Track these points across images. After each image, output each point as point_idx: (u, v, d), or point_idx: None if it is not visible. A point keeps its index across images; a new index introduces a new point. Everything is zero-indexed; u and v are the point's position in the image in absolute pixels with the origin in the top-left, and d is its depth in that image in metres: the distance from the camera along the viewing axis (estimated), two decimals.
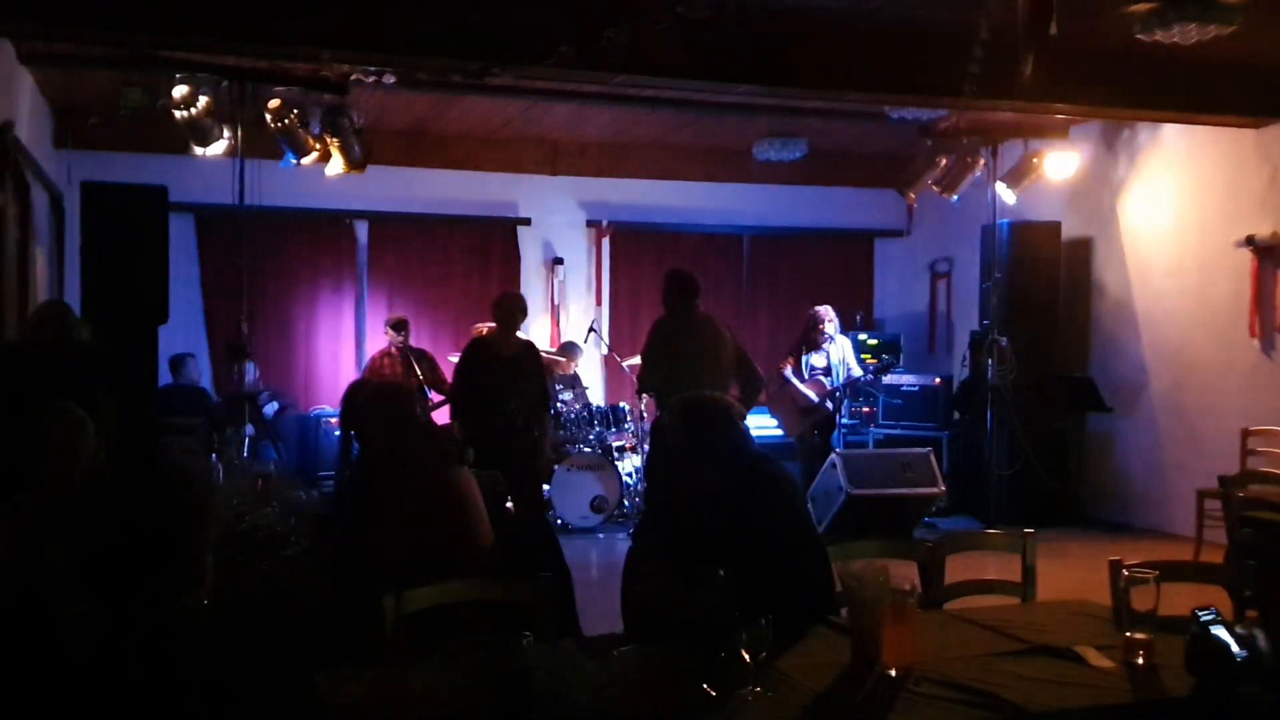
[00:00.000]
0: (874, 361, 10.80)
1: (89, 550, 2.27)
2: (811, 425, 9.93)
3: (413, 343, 10.53)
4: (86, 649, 2.20)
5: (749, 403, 7.68)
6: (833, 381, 9.90)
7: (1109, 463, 10.47)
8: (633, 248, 12.38)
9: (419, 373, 10.04)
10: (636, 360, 10.36)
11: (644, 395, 8.89)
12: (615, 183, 12.11)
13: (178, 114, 8.10)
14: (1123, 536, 9.76)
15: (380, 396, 4.73)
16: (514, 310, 8.19)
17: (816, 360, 9.97)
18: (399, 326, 10.31)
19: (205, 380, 10.59)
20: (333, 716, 2.66)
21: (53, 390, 4.53)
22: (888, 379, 10.82)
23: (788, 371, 9.92)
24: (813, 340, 9.98)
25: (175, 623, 2.24)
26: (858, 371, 10.06)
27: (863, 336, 11.72)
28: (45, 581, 3.09)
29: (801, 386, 9.85)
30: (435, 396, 10.09)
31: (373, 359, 10.51)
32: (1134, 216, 10.27)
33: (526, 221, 12.00)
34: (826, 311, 10.07)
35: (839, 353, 10.02)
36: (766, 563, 3.48)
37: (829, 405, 9.92)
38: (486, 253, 11.99)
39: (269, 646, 2.33)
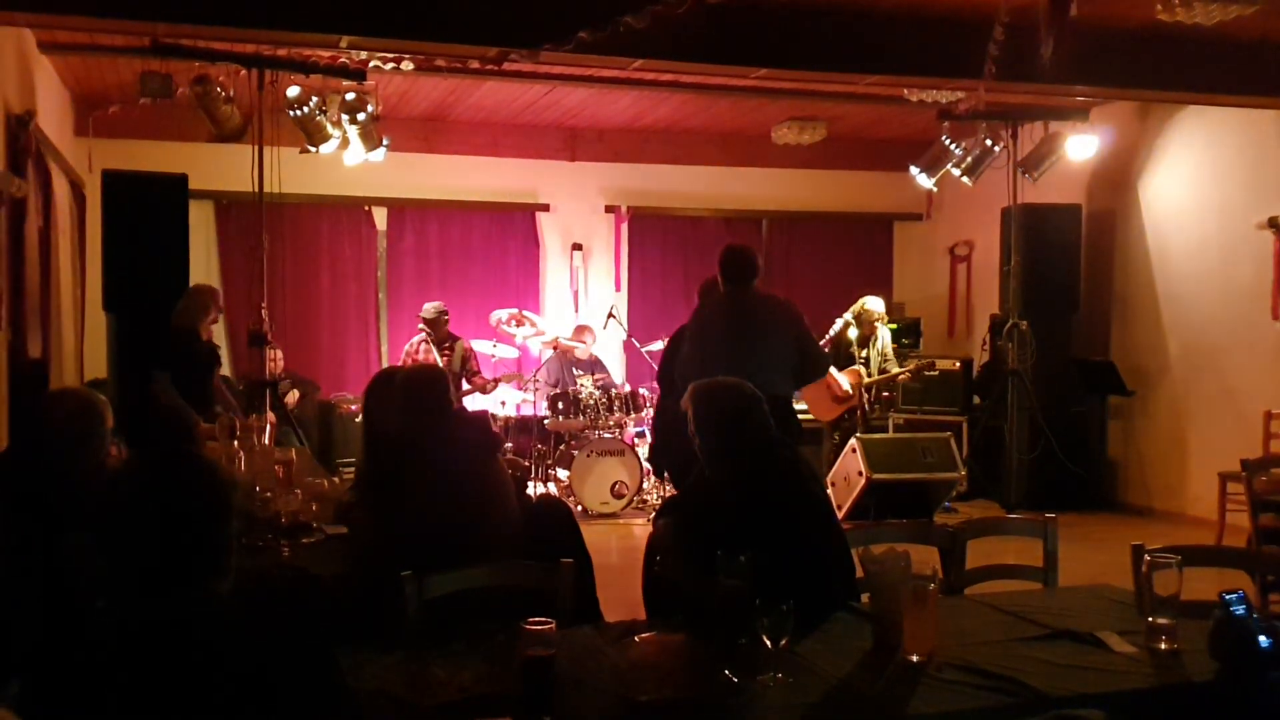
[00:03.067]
0: (909, 355, 10.71)
1: (114, 538, 2.28)
2: (843, 412, 9.92)
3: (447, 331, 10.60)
4: (113, 639, 2.22)
5: (801, 385, 7.37)
6: (869, 372, 9.90)
7: (1130, 446, 10.44)
8: (652, 232, 12.38)
9: (451, 363, 10.10)
10: (657, 345, 10.38)
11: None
12: (634, 168, 12.10)
13: (197, 102, 8.13)
14: (1144, 520, 9.75)
15: (415, 381, 4.70)
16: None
17: (861, 351, 9.98)
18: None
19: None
20: (356, 701, 2.68)
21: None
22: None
23: None
24: (864, 333, 9.99)
25: (203, 611, 2.26)
26: (895, 367, 10.03)
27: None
28: (69, 570, 3.12)
29: (838, 374, 9.82)
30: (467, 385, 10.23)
31: (414, 346, 10.55)
32: (1155, 198, 10.22)
33: (546, 207, 12.00)
34: (877, 304, 10.06)
35: (878, 344, 10.01)
36: (787, 548, 3.48)
37: (865, 395, 9.91)
38: (507, 238, 12.01)
39: (292, 632, 2.34)
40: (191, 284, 8.29)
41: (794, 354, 6.94)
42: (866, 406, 10.08)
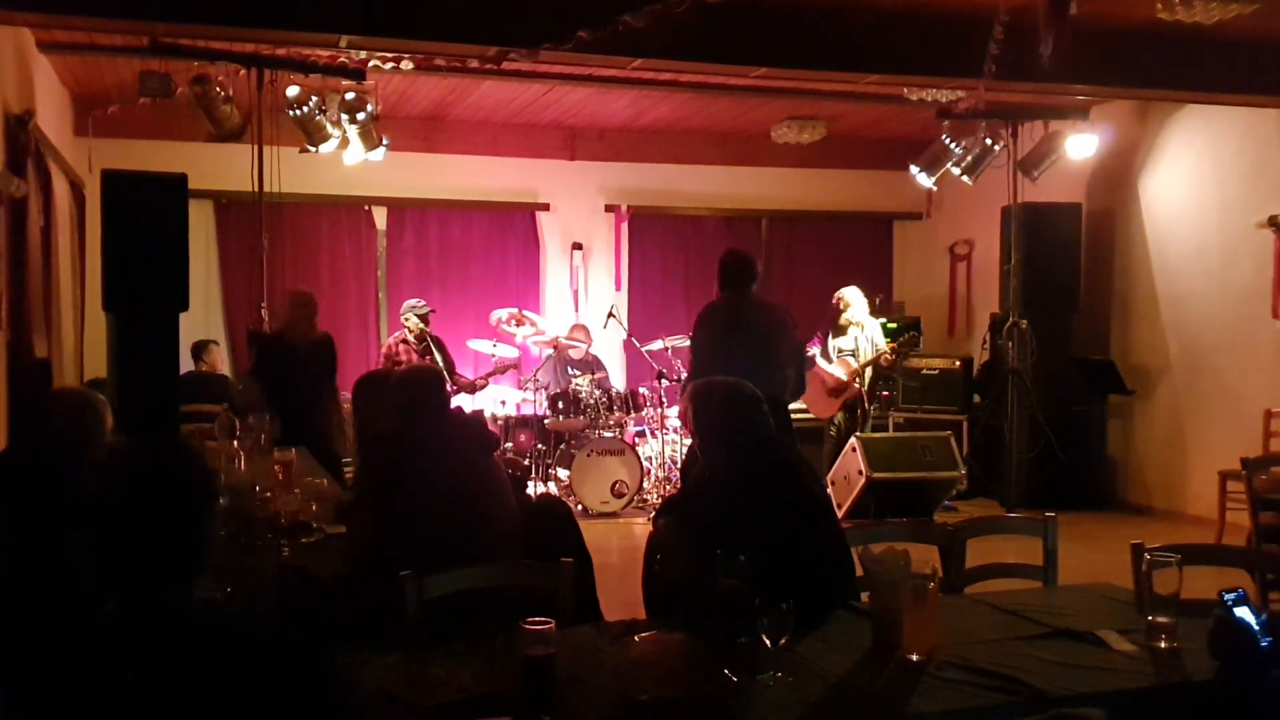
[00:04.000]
0: (893, 344, 10.74)
1: (108, 536, 2.28)
2: (840, 406, 9.92)
3: (432, 330, 10.52)
4: (112, 639, 2.21)
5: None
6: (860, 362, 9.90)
7: (1130, 445, 10.43)
8: (652, 231, 12.37)
9: (439, 359, 10.05)
10: (657, 345, 10.38)
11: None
12: (634, 167, 12.10)
13: (197, 101, 8.13)
14: (1144, 519, 9.75)
15: (410, 381, 4.69)
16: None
17: (844, 343, 9.97)
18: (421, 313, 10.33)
19: (223, 366, 10.63)
20: (355, 702, 2.67)
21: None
22: (907, 362, 10.77)
23: (814, 353, 9.89)
24: (838, 326, 9.97)
25: (195, 610, 2.25)
26: (885, 346, 10.02)
27: (882, 320, 11.67)
28: (69, 570, 3.12)
29: (829, 367, 9.83)
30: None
31: (388, 346, 10.50)
32: (1155, 197, 10.22)
33: (546, 206, 12.00)
34: (853, 294, 10.04)
35: (866, 335, 10.00)
36: (786, 548, 3.48)
37: (857, 384, 9.91)
38: (506, 238, 12.00)
39: (291, 633, 2.33)
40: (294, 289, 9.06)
41: (789, 362, 6.98)
42: (866, 403, 10.07)
